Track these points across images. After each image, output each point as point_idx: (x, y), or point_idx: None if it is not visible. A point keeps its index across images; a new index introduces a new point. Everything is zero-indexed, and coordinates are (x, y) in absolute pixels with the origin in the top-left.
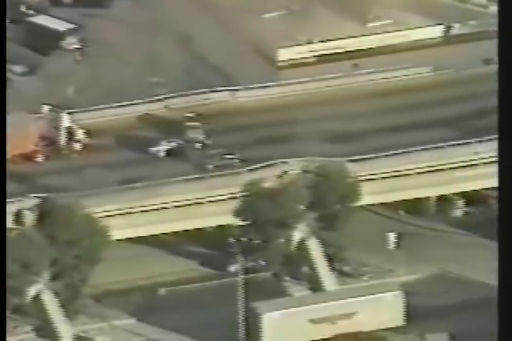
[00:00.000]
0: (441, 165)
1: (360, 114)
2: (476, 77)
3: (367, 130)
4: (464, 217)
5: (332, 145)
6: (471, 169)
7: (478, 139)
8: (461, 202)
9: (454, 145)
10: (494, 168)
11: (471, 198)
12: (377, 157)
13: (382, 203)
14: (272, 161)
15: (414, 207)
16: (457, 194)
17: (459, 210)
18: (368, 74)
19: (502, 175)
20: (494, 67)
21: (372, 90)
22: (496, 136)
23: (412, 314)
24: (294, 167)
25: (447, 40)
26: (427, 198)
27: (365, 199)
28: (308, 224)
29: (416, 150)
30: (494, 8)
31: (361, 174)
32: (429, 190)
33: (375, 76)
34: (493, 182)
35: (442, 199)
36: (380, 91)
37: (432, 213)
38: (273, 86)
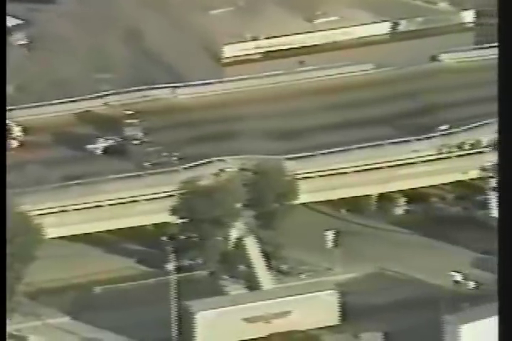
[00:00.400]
0: (379, 163)
1: (302, 112)
2: (419, 74)
3: (308, 127)
4: (405, 216)
5: (271, 143)
6: (409, 167)
7: (417, 137)
8: (402, 201)
9: (392, 143)
10: (433, 166)
11: (412, 196)
12: (314, 155)
13: (323, 201)
14: (209, 159)
15: (355, 205)
16: (398, 192)
17: (400, 208)
18: (311, 71)
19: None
20: (440, 64)
21: (315, 87)
22: (435, 134)
23: (348, 313)
24: (231, 165)
25: (394, 36)
26: (369, 196)
27: (303, 198)
28: (246, 222)
29: (354, 148)
30: (443, 4)
31: (299, 172)
32: (369, 188)
33: (318, 73)
34: (433, 180)
35: (384, 197)
36: (322, 88)
37: (373, 211)
38: (215, 83)
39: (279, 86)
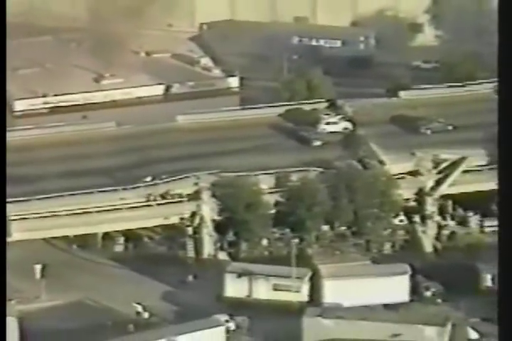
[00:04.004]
0: (88, 208)
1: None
2: (153, 131)
3: (40, 175)
4: (123, 252)
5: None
6: (117, 212)
7: (124, 187)
8: (121, 239)
9: (101, 191)
10: (141, 212)
11: (130, 236)
12: (30, 199)
13: (61, 237)
14: None
15: (84, 241)
16: (119, 232)
17: (120, 246)
18: (66, 126)
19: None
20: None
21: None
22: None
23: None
24: None
25: (168, 97)
26: (95, 235)
27: (18, 236)
28: None
29: (66, 195)
30: (217, 71)
31: (16, 214)
32: (79, 229)
33: (71, 128)
34: (141, 224)
35: (108, 236)
36: (66, 141)
37: (99, 248)
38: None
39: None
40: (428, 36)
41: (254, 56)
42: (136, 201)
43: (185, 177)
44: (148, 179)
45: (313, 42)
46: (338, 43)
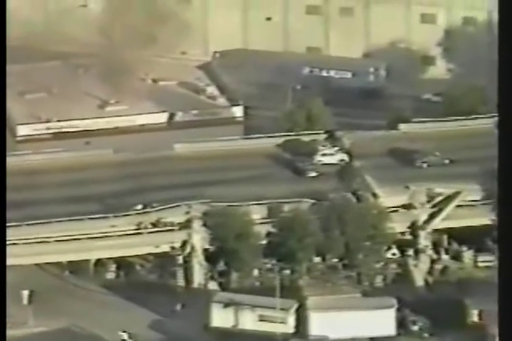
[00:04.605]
0: (78, 235)
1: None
2: (150, 159)
3: (34, 200)
4: (115, 280)
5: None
6: (108, 239)
7: (115, 214)
8: (113, 267)
9: (91, 218)
10: (132, 240)
11: (122, 263)
12: (21, 225)
13: (53, 263)
14: None
15: (77, 268)
16: (111, 259)
17: (111, 273)
18: (63, 152)
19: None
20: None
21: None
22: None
23: None
24: None
25: (171, 125)
26: (88, 261)
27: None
28: None
29: (53, 222)
30: (222, 100)
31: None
32: (69, 255)
33: (69, 154)
34: (131, 252)
35: (100, 263)
36: (64, 167)
37: (91, 274)
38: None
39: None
40: (440, 69)
41: (264, 85)
42: (126, 229)
43: (177, 205)
44: (139, 207)
45: (324, 73)
46: (349, 74)
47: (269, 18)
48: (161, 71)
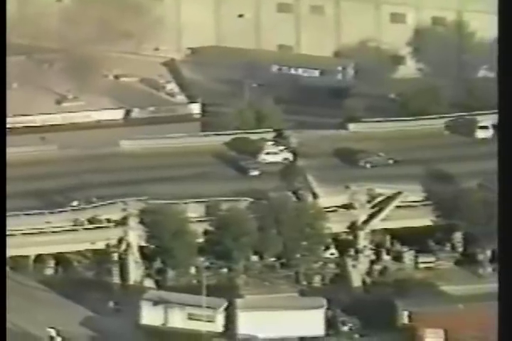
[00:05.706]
0: (15, 230)
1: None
2: (95, 155)
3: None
4: (53, 275)
5: None
6: (43, 235)
7: (51, 211)
8: (52, 263)
9: (27, 214)
10: (68, 236)
11: (61, 260)
12: None
13: None
14: None
15: (17, 264)
16: (50, 255)
17: (50, 269)
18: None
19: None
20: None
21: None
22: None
23: None
24: None
25: (128, 121)
26: (27, 257)
27: None
28: None
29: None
30: (181, 97)
31: None
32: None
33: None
34: (68, 248)
35: (39, 259)
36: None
37: (30, 270)
38: None
39: None
40: (410, 69)
41: (230, 82)
42: (63, 225)
43: (113, 202)
44: (75, 203)
45: (292, 71)
46: (317, 73)
47: (241, 15)
48: (125, 67)
